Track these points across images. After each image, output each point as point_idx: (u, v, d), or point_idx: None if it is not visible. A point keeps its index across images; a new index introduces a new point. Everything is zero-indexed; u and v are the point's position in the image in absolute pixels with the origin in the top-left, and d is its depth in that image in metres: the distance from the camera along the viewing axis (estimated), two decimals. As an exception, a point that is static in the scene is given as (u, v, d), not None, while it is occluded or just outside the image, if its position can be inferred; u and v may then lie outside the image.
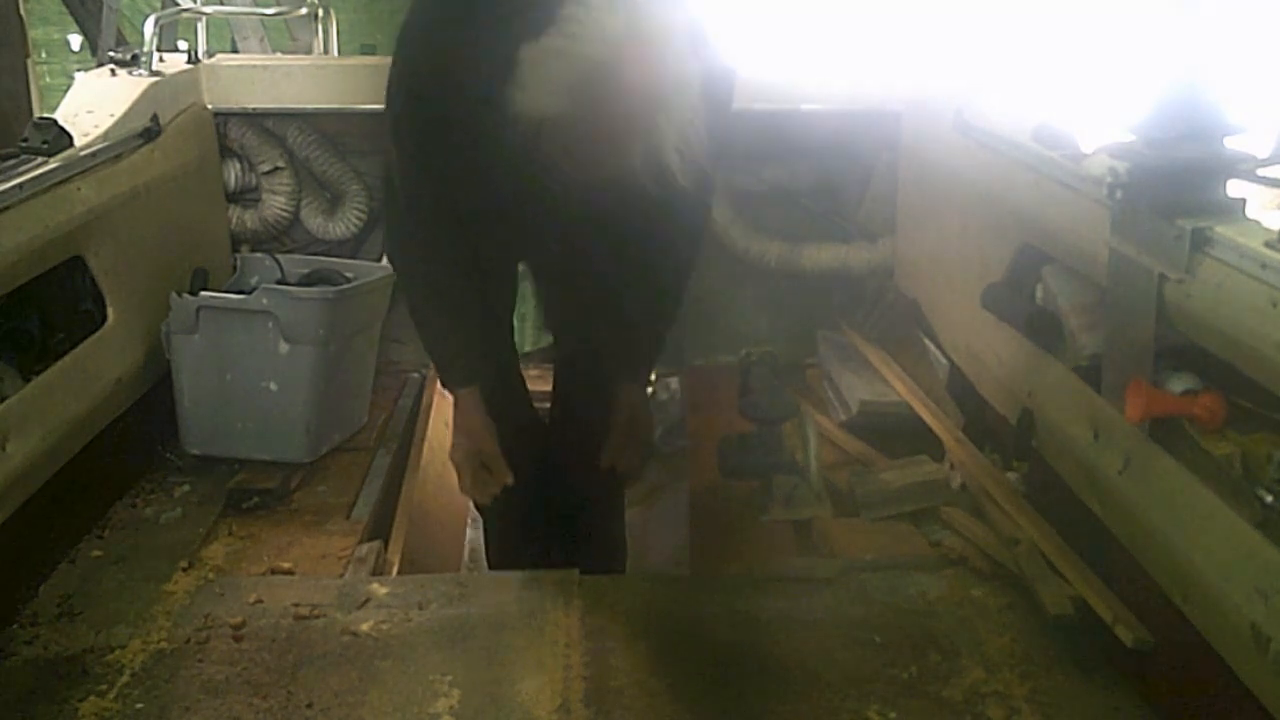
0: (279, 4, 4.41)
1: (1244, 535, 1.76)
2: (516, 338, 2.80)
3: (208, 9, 3.72)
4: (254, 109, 3.54)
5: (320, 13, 4.32)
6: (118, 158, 2.94)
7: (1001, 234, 2.72)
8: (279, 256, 3.33)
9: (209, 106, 3.49)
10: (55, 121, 2.76)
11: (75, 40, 6.77)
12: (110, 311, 2.84)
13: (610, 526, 2.75)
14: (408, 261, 2.34)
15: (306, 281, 3.23)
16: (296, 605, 2.32)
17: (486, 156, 2.00)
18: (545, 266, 2.57)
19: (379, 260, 3.55)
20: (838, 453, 3.05)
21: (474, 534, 3.40)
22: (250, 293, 3.01)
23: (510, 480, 2.36)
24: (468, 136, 1.99)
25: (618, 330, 2.39)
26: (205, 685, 2.08)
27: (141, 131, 3.07)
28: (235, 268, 3.38)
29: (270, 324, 2.88)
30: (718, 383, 3.43)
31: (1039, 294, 2.52)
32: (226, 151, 3.60)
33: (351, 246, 3.71)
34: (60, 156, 2.69)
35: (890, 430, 3.07)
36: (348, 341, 3.04)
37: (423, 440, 3.26)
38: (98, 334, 2.79)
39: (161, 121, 3.17)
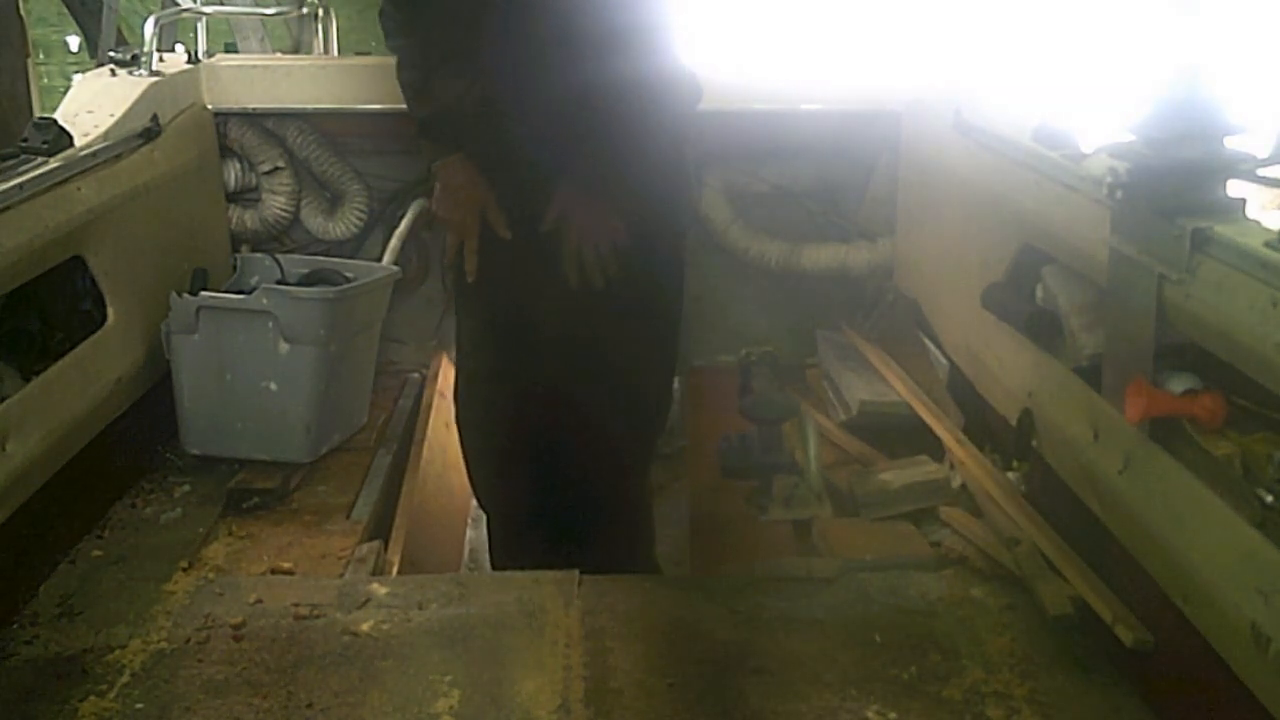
0: (279, 4, 4.41)
1: (1244, 535, 1.75)
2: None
3: (208, 9, 3.72)
4: (254, 109, 3.54)
5: (320, 13, 4.32)
6: (118, 158, 2.94)
7: (1001, 234, 2.71)
8: (279, 256, 3.33)
9: (209, 106, 3.49)
10: (55, 121, 2.76)
11: (73, 41, 6.78)
12: (110, 311, 2.84)
13: (617, 528, 2.74)
14: (395, 36, 2.42)
15: (306, 281, 3.23)
16: (296, 605, 2.31)
17: None
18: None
19: (379, 260, 3.56)
20: (838, 453, 3.05)
21: (474, 534, 3.40)
22: (250, 293, 3.01)
23: (508, 234, 2.39)
24: None
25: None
26: (205, 685, 2.08)
27: (141, 131, 3.07)
28: (235, 268, 3.38)
29: (270, 324, 2.88)
30: (718, 383, 3.43)
31: (1039, 294, 2.52)
32: (226, 151, 3.60)
33: (351, 246, 3.71)
34: (60, 156, 2.69)
35: (890, 430, 3.07)
36: (348, 341, 3.04)
37: (423, 440, 3.26)
38: (98, 334, 2.79)
39: (161, 121, 3.17)
